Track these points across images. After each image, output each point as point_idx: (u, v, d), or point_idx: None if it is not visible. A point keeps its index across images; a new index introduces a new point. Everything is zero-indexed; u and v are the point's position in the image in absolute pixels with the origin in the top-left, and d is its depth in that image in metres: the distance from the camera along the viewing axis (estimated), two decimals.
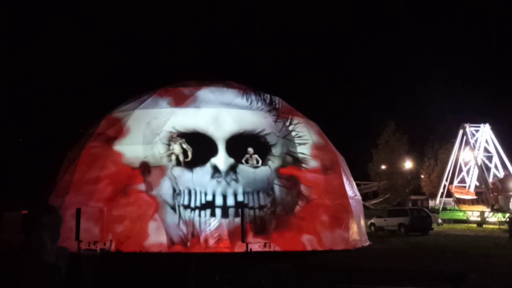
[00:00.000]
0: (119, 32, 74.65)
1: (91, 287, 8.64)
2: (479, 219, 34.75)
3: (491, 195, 36.13)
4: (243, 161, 17.34)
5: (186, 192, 16.49)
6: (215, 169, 16.96)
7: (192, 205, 16.32)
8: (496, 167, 39.89)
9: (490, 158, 40.41)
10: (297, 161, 17.98)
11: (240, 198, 16.67)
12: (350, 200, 18.36)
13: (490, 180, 38.48)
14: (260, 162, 17.55)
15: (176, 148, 17.09)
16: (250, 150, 17.64)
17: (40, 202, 16.19)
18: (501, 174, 38.91)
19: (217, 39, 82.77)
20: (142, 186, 16.41)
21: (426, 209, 31.56)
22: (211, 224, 16.10)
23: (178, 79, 20.24)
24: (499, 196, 35.23)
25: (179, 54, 76.05)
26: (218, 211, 16.34)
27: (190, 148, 17.16)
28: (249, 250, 15.26)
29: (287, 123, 18.93)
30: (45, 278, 5.61)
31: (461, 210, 37.54)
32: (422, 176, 52.73)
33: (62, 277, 5.90)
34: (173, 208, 16.22)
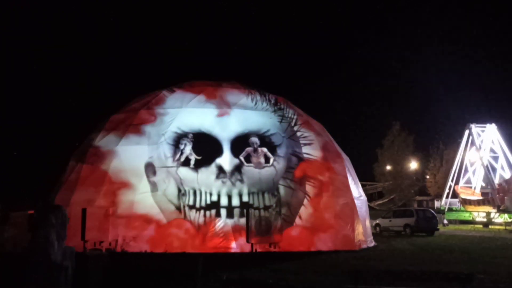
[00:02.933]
0: (123, 33, 74.95)
1: (98, 286, 8.67)
2: (485, 220, 34.59)
3: (497, 195, 35.93)
4: (241, 157, 17.27)
5: (191, 192, 16.52)
6: (220, 170, 16.98)
7: (197, 205, 16.36)
8: (502, 167, 39.68)
9: (496, 159, 40.19)
10: (302, 162, 17.95)
11: (245, 198, 16.69)
12: (356, 201, 18.31)
13: (496, 180, 38.27)
14: (272, 158, 17.54)
15: (188, 149, 17.16)
16: (255, 140, 17.59)
17: (46, 202, 16.26)
18: (507, 174, 38.69)
19: (223, 40, 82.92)
20: (147, 187, 16.45)
21: (431, 210, 31.45)
22: (216, 225, 16.13)
23: (182, 80, 20.27)
24: (505, 197, 35.03)
25: (184, 55, 76.26)
26: (223, 212, 16.37)
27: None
28: (254, 250, 15.28)
29: (292, 124, 18.93)
30: (52, 277, 5.64)
31: (467, 211, 37.37)
32: (428, 177, 52.54)
33: (69, 277, 5.93)
34: (178, 208, 16.26)
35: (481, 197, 38.65)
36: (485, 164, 39.08)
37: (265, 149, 17.68)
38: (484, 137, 40.58)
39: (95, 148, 17.46)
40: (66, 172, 17.65)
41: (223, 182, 16.78)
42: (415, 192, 54.43)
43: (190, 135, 17.39)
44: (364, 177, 46.17)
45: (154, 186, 16.49)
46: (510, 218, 32.45)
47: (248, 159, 17.41)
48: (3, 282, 8.70)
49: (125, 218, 15.72)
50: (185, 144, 17.26)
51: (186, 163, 16.99)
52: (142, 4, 70.82)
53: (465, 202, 38.76)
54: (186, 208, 16.26)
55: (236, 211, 16.39)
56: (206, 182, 16.70)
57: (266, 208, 16.71)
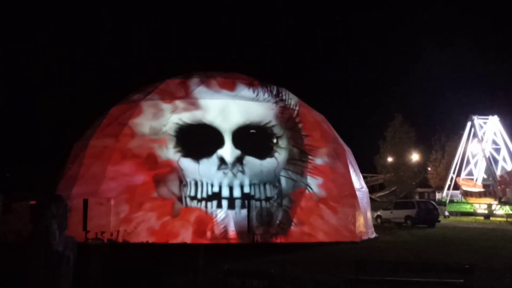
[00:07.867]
0: (125, 26, 74.65)
1: (99, 276, 8.71)
2: (486, 211, 34.59)
3: (499, 187, 35.87)
4: None
5: (193, 183, 16.53)
6: (222, 161, 16.98)
7: (199, 196, 16.37)
8: (504, 159, 39.59)
9: (498, 151, 40.08)
10: (303, 153, 17.94)
11: (246, 189, 16.71)
12: (357, 192, 18.30)
13: (498, 172, 38.20)
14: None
15: None
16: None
17: (48, 193, 16.29)
18: (509, 166, 38.60)
19: (224, 31, 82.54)
20: (148, 178, 16.45)
21: (433, 202, 31.46)
22: (218, 216, 16.16)
23: (183, 71, 20.19)
24: (507, 189, 34.98)
25: (186, 47, 75.97)
26: (224, 203, 16.39)
27: None
28: (255, 241, 15.31)
29: (294, 115, 18.86)
30: (54, 267, 5.64)
31: (468, 203, 37.36)
32: (429, 169, 52.45)
33: (70, 267, 5.93)
34: (180, 199, 16.28)
35: (482, 189, 38.64)
36: (487, 156, 38.98)
37: None
38: (486, 129, 40.44)
39: (96, 140, 17.45)
40: (68, 163, 17.66)
41: (225, 173, 16.79)
42: (417, 184, 54.39)
43: None
44: (365, 169, 46.22)
45: (155, 177, 16.47)
46: (511, 210, 32.43)
47: None
48: (4, 272, 8.73)
49: (126, 209, 15.74)
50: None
51: (190, 153, 16.96)
52: None
53: (466, 194, 38.74)
54: (188, 199, 16.28)
55: (238, 202, 16.41)
56: (207, 173, 16.70)
57: (267, 199, 16.72)
